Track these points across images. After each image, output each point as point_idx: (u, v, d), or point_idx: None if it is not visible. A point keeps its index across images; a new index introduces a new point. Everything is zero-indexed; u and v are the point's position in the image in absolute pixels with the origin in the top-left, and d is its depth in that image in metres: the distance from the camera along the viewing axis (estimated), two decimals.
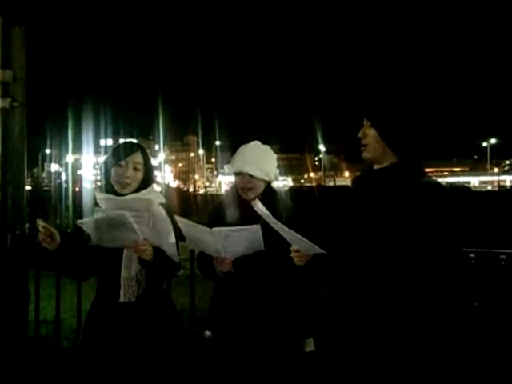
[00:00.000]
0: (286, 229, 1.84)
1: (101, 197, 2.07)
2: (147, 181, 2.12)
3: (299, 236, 1.80)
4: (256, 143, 2.26)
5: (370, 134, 1.75)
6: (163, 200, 2.15)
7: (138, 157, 2.09)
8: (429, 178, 1.76)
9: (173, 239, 2.04)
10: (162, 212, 2.05)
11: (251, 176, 2.16)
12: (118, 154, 2.08)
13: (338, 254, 1.74)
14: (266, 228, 1.94)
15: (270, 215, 1.86)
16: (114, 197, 2.05)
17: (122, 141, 2.18)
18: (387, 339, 1.61)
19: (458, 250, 1.65)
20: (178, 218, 2.00)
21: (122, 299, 2.01)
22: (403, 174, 1.70)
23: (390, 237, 1.61)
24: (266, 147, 2.26)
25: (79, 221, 1.96)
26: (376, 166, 1.78)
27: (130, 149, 2.10)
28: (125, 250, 2.01)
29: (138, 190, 2.08)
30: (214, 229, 1.96)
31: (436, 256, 1.58)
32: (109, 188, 2.09)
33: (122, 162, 2.06)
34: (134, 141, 2.20)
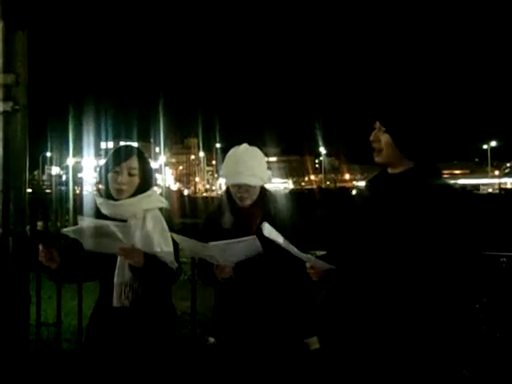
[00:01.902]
0: (296, 250, 1.82)
1: (99, 201, 2.09)
2: (145, 185, 2.10)
3: (310, 256, 1.81)
4: (245, 148, 2.20)
5: (383, 139, 1.70)
6: (164, 204, 2.13)
7: (133, 162, 2.07)
8: (448, 182, 1.73)
9: (170, 245, 2.02)
10: (159, 217, 2.05)
11: (249, 185, 2.13)
12: (113, 160, 2.08)
13: (354, 261, 1.72)
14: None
15: (281, 237, 1.83)
16: (110, 201, 2.06)
17: (120, 144, 2.18)
18: (395, 340, 1.61)
19: (478, 255, 1.63)
20: (174, 235, 1.98)
21: (114, 304, 2.02)
22: (421, 178, 1.66)
23: (411, 242, 1.59)
24: (255, 149, 2.21)
25: (64, 229, 1.97)
26: (391, 171, 1.75)
27: (124, 154, 2.08)
28: (118, 256, 2.00)
29: (134, 195, 2.07)
30: (211, 243, 1.92)
31: (457, 261, 1.56)
32: (108, 193, 2.10)
33: (117, 168, 2.05)
34: (133, 144, 2.19)
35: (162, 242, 2.01)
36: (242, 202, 2.16)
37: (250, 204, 2.17)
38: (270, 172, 2.24)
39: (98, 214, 2.08)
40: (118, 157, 2.07)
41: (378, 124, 1.73)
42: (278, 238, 1.84)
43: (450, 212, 1.58)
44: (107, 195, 2.10)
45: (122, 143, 2.28)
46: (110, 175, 2.07)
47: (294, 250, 1.82)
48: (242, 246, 1.94)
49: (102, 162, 2.22)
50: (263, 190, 2.21)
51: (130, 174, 2.05)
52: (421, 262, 1.58)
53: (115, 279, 2.01)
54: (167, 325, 2.09)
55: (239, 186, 2.13)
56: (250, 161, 2.13)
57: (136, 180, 2.07)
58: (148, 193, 2.10)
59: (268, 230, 1.82)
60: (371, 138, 1.74)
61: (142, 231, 2.00)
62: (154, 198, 2.11)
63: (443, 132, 1.82)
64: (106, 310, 2.06)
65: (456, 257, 1.56)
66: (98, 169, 2.18)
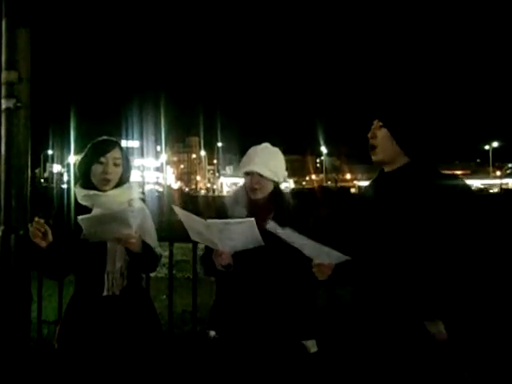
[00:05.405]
0: (306, 240, 1.79)
1: (84, 193, 2.09)
2: (126, 175, 2.16)
3: (323, 246, 1.76)
4: (266, 145, 2.27)
5: (380, 135, 1.72)
6: (141, 195, 2.21)
7: (117, 152, 2.12)
8: (449, 178, 1.71)
9: (154, 232, 2.14)
10: (144, 206, 2.14)
11: (260, 176, 2.16)
12: (98, 151, 2.11)
13: (361, 260, 1.71)
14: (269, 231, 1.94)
15: (289, 231, 1.83)
16: (98, 193, 2.09)
17: (99, 138, 2.17)
18: (397, 341, 1.61)
19: (481, 252, 1.61)
20: (176, 208, 2.01)
21: (105, 293, 2.04)
22: (417, 174, 1.67)
23: (412, 239, 1.59)
24: (276, 149, 2.28)
25: (80, 217, 1.93)
26: (387, 169, 1.76)
27: (108, 145, 2.12)
28: (108, 245, 2.03)
29: (118, 186, 2.12)
30: (209, 221, 1.95)
31: (459, 258, 1.56)
32: (90, 185, 2.11)
33: (103, 159, 2.09)
34: (112, 138, 2.21)
35: (150, 229, 2.11)
36: (253, 194, 2.18)
37: (262, 198, 2.19)
38: (285, 173, 2.29)
39: (76, 207, 2.06)
40: (103, 148, 2.11)
41: (375, 122, 1.76)
42: (287, 235, 1.82)
43: (448, 207, 1.57)
44: (89, 188, 2.10)
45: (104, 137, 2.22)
46: (94, 167, 2.09)
47: (303, 239, 1.79)
48: (240, 229, 1.95)
49: (76, 157, 2.24)
50: (277, 188, 2.24)
51: (115, 164, 2.10)
52: (422, 260, 1.58)
53: (107, 267, 2.04)
54: (148, 314, 2.13)
55: (251, 175, 2.16)
56: (265, 156, 2.20)
57: (120, 170, 2.13)
58: (130, 184, 2.17)
59: (272, 226, 1.83)
60: (369, 135, 1.76)
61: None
62: (135, 189, 2.19)
63: (442, 127, 1.82)
64: (90, 301, 2.05)
65: (456, 254, 1.56)
66: (77, 163, 2.18)
